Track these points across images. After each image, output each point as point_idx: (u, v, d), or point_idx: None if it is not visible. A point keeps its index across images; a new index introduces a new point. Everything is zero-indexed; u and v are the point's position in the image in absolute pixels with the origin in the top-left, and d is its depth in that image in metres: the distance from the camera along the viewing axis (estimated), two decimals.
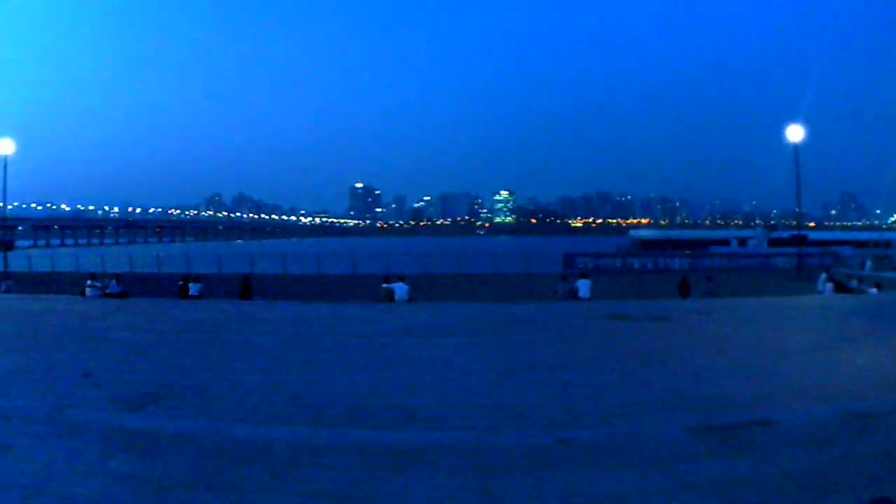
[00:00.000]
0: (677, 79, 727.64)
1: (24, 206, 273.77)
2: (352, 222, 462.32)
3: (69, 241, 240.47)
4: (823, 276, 35.80)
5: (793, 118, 61.07)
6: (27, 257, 73.93)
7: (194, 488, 6.43)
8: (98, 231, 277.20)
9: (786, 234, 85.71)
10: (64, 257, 76.66)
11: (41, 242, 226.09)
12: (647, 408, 9.57)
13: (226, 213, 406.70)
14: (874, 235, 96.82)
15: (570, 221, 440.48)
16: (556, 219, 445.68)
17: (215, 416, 9.22)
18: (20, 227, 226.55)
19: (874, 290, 34.67)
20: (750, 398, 10.02)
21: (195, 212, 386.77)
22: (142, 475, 6.78)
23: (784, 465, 6.92)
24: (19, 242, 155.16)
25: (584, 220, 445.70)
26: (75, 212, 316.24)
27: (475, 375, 12.09)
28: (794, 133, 57.37)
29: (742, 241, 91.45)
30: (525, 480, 6.58)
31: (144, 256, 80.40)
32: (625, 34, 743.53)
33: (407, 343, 16.39)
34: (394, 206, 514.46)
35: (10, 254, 54.60)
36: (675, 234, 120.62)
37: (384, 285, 31.51)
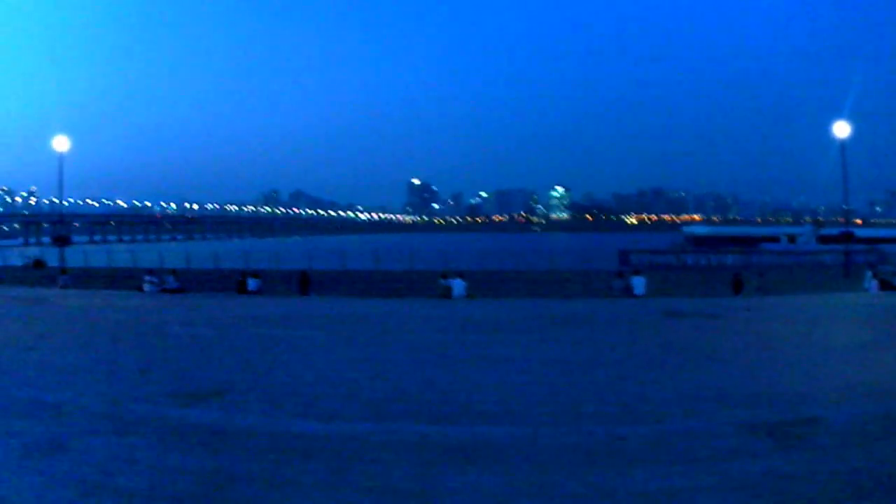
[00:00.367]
0: (729, 75, 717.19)
1: (80, 202, 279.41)
2: (409, 218, 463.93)
3: (125, 237, 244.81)
4: (869, 273, 35.60)
5: (839, 114, 60.28)
6: (84, 253, 75.49)
7: (254, 483, 6.53)
8: (154, 227, 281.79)
9: (834, 231, 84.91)
10: (120, 253, 78.21)
11: (97, 238, 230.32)
12: (700, 404, 9.66)
13: (283, 210, 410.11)
14: None
15: (624, 218, 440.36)
16: (610, 215, 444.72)
17: (274, 412, 9.37)
18: (77, 224, 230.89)
19: None
20: (799, 395, 10.05)
21: (252, 208, 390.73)
22: (201, 470, 6.88)
23: (832, 464, 6.93)
24: (76, 238, 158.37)
25: (639, 217, 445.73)
26: (132, 208, 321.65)
27: (532, 371, 12.22)
28: (841, 129, 56.56)
29: (792, 238, 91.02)
30: (581, 476, 6.65)
31: (201, 252, 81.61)
32: (679, 30, 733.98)
33: (465, 339, 16.53)
34: (451, 202, 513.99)
35: (66, 249, 55.66)
36: (727, 230, 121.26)
37: (442, 281, 32.21)
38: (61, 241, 58.16)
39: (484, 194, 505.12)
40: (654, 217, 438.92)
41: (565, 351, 14.58)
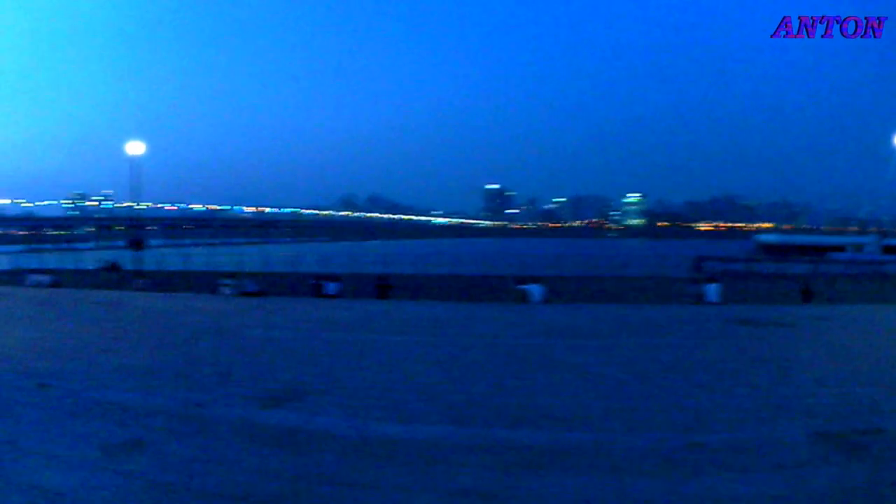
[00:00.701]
0: (803, 85, 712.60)
1: (155, 206, 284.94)
2: (485, 223, 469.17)
3: (201, 241, 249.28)
4: None
5: None
6: (159, 256, 77.12)
7: (334, 485, 6.68)
8: (231, 230, 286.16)
9: None
10: (197, 256, 79.76)
11: (173, 242, 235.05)
12: (771, 413, 9.69)
13: (360, 214, 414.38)
14: None
15: (696, 225, 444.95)
16: (683, 222, 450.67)
17: (354, 414, 9.52)
18: (153, 227, 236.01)
19: None
20: (871, 406, 9.99)
21: (330, 212, 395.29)
22: (281, 472, 7.06)
23: None
24: (152, 242, 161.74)
25: (711, 224, 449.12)
26: (208, 212, 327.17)
27: (609, 377, 12.35)
28: None
29: (858, 247, 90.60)
30: (658, 482, 6.86)
31: (278, 256, 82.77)
32: (753, 40, 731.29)
33: (541, 344, 16.71)
34: (526, 207, 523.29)
35: (143, 253, 56.92)
36: (797, 238, 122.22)
37: (519, 286, 32.75)
38: (137, 244, 59.38)
39: (560, 199, 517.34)
40: (726, 225, 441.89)
41: (640, 357, 14.70)
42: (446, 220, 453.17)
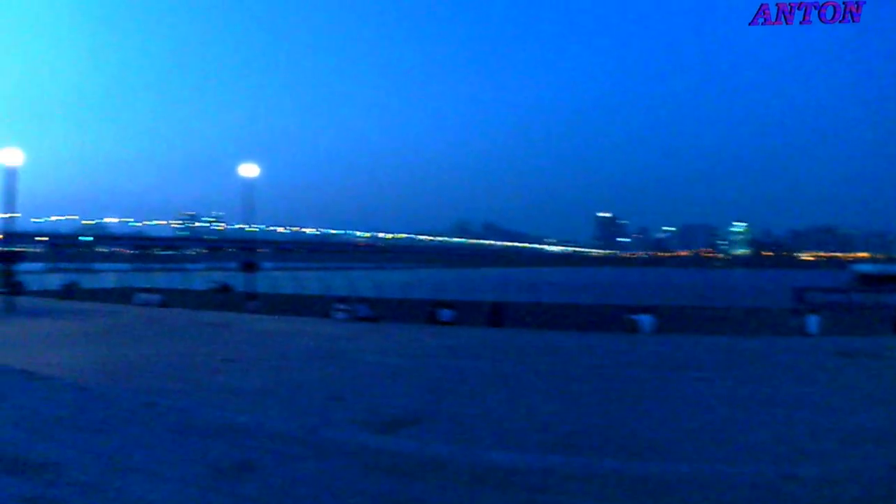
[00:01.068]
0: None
1: (268, 228, 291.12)
2: (596, 252, 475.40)
3: (314, 265, 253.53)
4: None
5: None
6: (272, 279, 78.50)
7: None
8: (344, 255, 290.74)
9: None
10: (309, 280, 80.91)
11: (285, 265, 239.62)
12: (863, 446, 9.81)
13: (474, 241, 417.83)
14: None
15: (798, 255, 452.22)
16: (787, 251, 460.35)
17: (467, 442, 9.54)
18: (264, 250, 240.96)
19: None
20: None
21: (444, 238, 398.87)
22: (395, 497, 7.05)
23: None
24: (264, 264, 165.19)
25: (813, 255, 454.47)
26: (322, 235, 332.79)
27: (713, 409, 12.48)
28: None
29: None
30: None
31: (392, 281, 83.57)
32: (858, 69, 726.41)
33: (650, 375, 16.82)
34: (638, 235, 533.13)
35: (255, 275, 57.83)
36: (894, 269, 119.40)
37: (630, 316, 33.45)
38: (249, 266, 60.38)
39: (670, 228, 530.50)
40: (826, 254, 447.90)
41: (742, 389, 14.87)
42: (559, 248, 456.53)
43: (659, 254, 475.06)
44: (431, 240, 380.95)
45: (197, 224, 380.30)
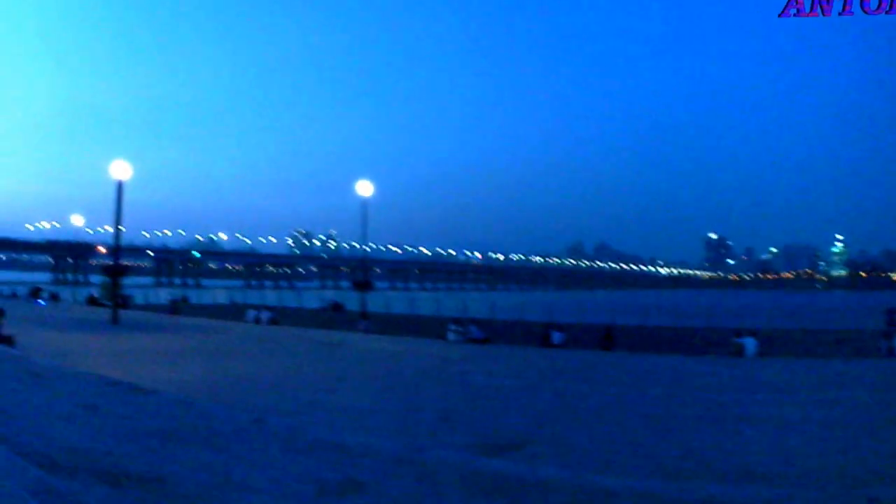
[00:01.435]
0: None
1: (382, 248, 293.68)
2: (705, 274, 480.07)
3: (428, 285, 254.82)
4: None
5: None
6: (385, 299, 79.22)
7: None
8: (458, 276, 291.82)
9: None
10: (422, 300, 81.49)
11: (399, 285, 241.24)
12: None
13: (587, 263, 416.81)
14: None
15: (893, 275, 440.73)
16: (883, 272, 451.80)
17: (575, 466, 9.54)
18: (377, 269, 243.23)
19: None
20: None
21: (557, 260, 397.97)
22: None
23: None
24: (377, 284, 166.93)
25: None
26: (435, 256, 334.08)
27: (806, 433, 12.64)
28: None
29: None
30: None
31: (505, 303, 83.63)
32: None
33: (751, 399, 16.92)
34: (744, 257, 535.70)
35: (368, 295, 58.38)
36: None
37: (735, 339, 34.15)
38: (362, 285, 61.00)
39: (774, 250, 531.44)
40: None
41: (834, 413, 14.92)
42: (668, 270, 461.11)
43: (764, 275, 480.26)
44: (546, 261, 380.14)
45: (310, 242, 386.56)
